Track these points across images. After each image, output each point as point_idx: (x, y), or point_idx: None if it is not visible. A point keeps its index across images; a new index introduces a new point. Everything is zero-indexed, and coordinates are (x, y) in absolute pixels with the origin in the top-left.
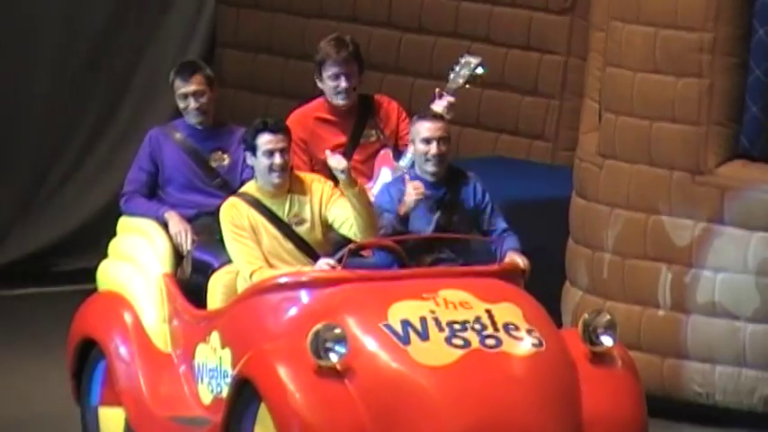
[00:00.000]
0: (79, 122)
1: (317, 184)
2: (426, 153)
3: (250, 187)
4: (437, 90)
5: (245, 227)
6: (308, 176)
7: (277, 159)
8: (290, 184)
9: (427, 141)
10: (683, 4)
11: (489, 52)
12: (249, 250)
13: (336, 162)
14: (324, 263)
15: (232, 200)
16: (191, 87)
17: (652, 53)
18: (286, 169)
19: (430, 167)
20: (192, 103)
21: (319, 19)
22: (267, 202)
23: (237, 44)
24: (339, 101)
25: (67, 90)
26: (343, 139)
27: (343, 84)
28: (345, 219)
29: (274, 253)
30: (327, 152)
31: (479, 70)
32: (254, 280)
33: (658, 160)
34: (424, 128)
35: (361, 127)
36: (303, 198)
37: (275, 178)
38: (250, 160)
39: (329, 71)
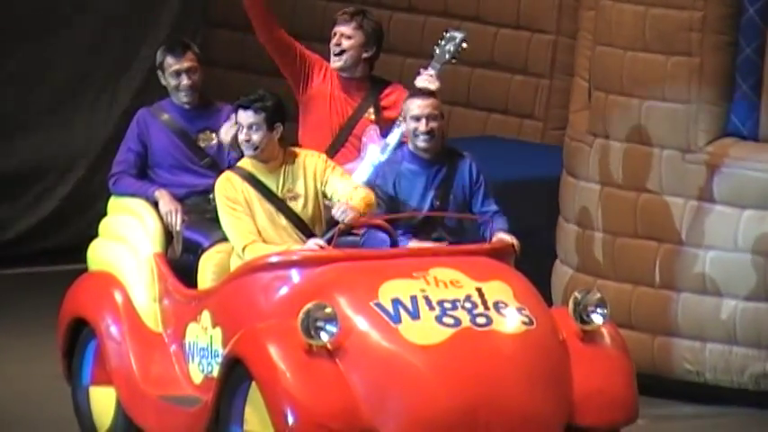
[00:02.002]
0: (70, 101)
1: (311, 159)
2: (416, 130)
3: (245, 162)
4: (422, 69)
5: (240, 201)
6: (301, 151)
7: (243, 134)
8: (283, 159)
9: (417, 119)
10: None
11: (479, 31)
12: (243, 224)
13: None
14: (314, 243)
15: (227, 174)
16: (184, 64)
17: (642, 32)
18: (253, 146)
19: (420, 143)
20: (185, 80)
21: None
22: (261, 177)
23: (227, 24)
24: (332, 62)
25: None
26: (346, 114)
27: (334, 41)
28: (345, 194)
29: (267, 228)
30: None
31: (464, 45)
32: (246, 254)
33: (648, 139)
34: (414, 105)
35: (365, 107)
36: (296, 173)
37: (245, 150)
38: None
39: (334, 29)
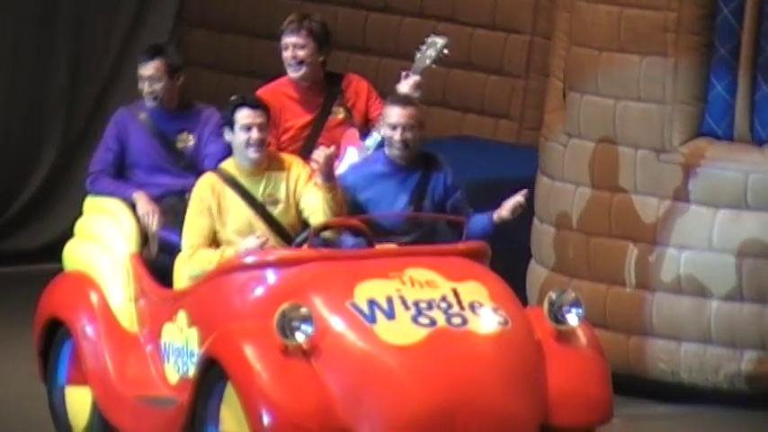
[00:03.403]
0: (42, 98)
1: (296, 167)
2: (391, 138)
3: (228, 164)
4: (403, 73)
5: (211, 206)
6: (287, 157)
7: (254, 134)
8: (268, 164)
9: (393, 127)
10: None
11: (455, 32)
12: (196, 231)
13: (320, 160)
14: (252, 239)
15: (208, 174)
16: (147, 71)
17: (617, 32)
18: (263, 145)
19: (395, 152)
20: (146, 87)
21: None
22: (243, 180)
23: (203, 24)
24: (291, 73)
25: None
26: (309, 116)
27: (289, 53)
28: (316, 209)
29: (245, 232)
30: (317, 152)
31: (445, 51)
32: (189, 267)
33: (623, 139)
34: (393, 113)
35: (329, 105)
36: (279, 178)
37: (252, 153)
38: (228, 136)
39: (283, 41)
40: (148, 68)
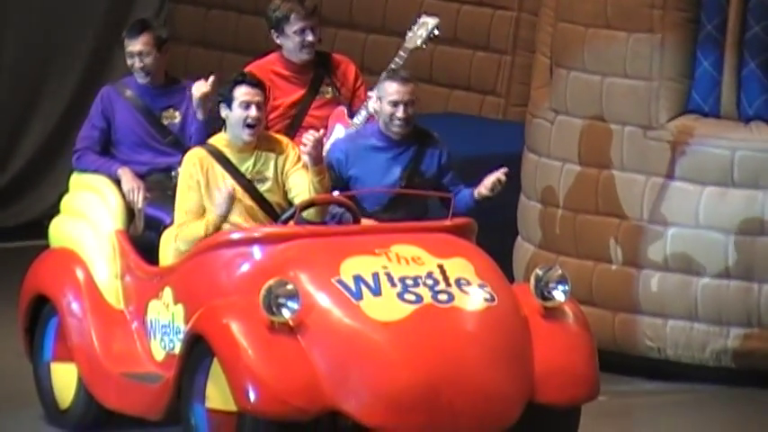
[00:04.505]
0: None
1: (285, 147)
2: (393, 115)
3: (218, 139)
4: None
5: (200, 182)
6: (277, 137)
7: (253, 112)
8: (258, 142)
9: (395, 104)
10: None
11: (442, 8)
12: (186, 205)
13: (308, 143)
14: (225, 191)
15: (196, 150)
16: (136, 47)
17: (603, 8)
18: (259, 125)
19: (396, 128)
20: (137, 63)
21: None
22: (232, 157)
23: (190, 0)
24: (305, 55)
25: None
26: (299, 93)
27: (309, 38)
28: (302, 191)
29: (233, 209)
30: (306, 135)
31: (436, 32)
32: (177, 241)
33: (610, 115)
34: (394, 90)
35: (318, 83)
36: (269, 157)
37: (247, 133)
38: (224, 112)
39: (295, 26)
40: (137, 44)
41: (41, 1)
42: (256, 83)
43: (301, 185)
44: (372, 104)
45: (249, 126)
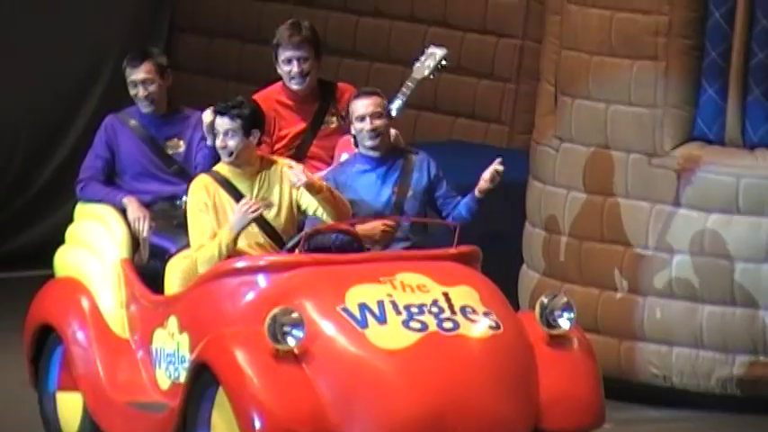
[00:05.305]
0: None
1: (288, 170)
2: (362, 130)
3: (221, 167)
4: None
5: (208, 206)
6: (280, 160)
7: (218, 141)
8: (261, 167)
9: (362, 118)
10: None
11: (446, 36)
12: (200, 230)
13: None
14: (241, 205)
15: (202, 176)
16: (139, 75)
17: (608, 36)
18: (228, 152)
19: (367, 142)
20: (141, 91)
21: (276, 3)
22: (236, 183)
23: (194, 28)
24: (293, 85)
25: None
26: (303, 124)
27: (295, 68)
28: (318, 205)
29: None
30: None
31: (444, 62)
32: (197, 261)
33: (614, 143)
34: (359, 105)
35: (322, 113)
36: (273, 181)
37: (222, 156)
38: (210, 141)
39: (283, 55)
40: (140, 72)
41: (59, 29)
42: (225, 112)
43: (316, 201)
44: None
45: (221, 151)
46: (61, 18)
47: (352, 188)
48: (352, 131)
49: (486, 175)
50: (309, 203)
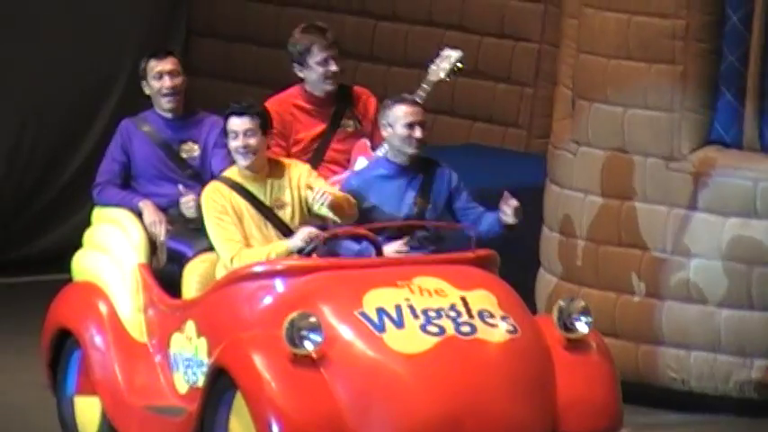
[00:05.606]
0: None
1: (296, 169)
2: (409, 137)
3: (232, 172)
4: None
5: (227, 210)
6: (285, 161)
7: (240, 140)
8: (269, 169)
9: (410, 126)
10: None
11: (463, 40)
12: (229, 234)
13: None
14: (306, 231)
15: (214, 184)
16: (166, 66)
17: (625, 40)
18: (250, 152)
19: (411, 150)
20: (167, 82)
21: (293, 7)
22: (248, 186)
23: (211, 32)
24: (328, 86)
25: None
26: (321, 127)
27: (332, 68)
28: (325, 185)
29: (257, 236)
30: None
31: (459, 64)
32: (234, 264)
33: (632, 147)
34: (406, 112)
35: (340, 116)
36: (282, 182)
37: (241, 160)
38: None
39: (318, 57)
40: (167, 63)
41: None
42: (243, 112)
43: (325, 186)
44: (383, 132)
45: (241, 154)
46: (78, 23)
47: (374, 193)
48: (386, 135)
49: (508, 210)
50: (317, 185)
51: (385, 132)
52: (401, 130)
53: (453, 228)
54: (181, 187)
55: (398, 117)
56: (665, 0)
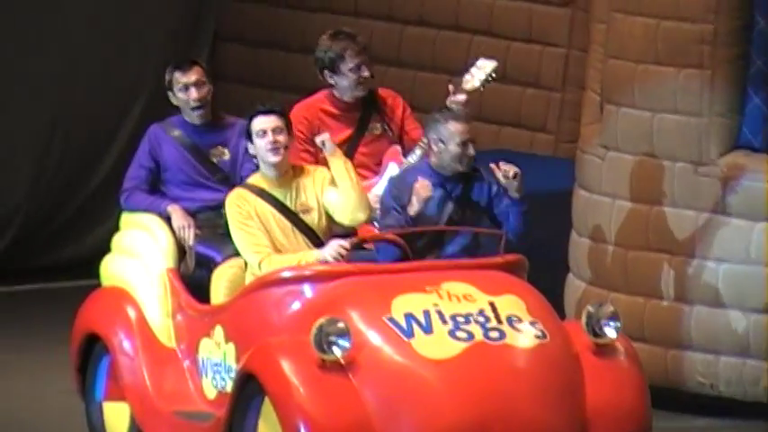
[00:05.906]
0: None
1: (319, 174)
2: (463, 154)
3: (255, 179)
4: (450, 87)
5: (252, 215)
6: (310, 167)
7: (269, 137)
8: (293, 174)
9: (464, 144)
10: None
11: (491, 45)
12: (255, 239)
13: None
14: (337, 244)
15: (238, 190)
16: (192, 77)
17: (653, 44)
18: (280, 148)
19: (462, 168)
20: (194, 93)
21: (321, 13)
22: (272, 191)
23: (238, 38)
24: (360, 92)
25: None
26: (348, 131)
27: (365, 73)
28: (337, 204)
29: (283, 241)
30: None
31: (494, 75)
32: (262, 269)
33: (660, 151)
34: (460, 131)
35: (367, 120)
36: (307, 186)
37: (271, 157)
38: (251, 149)
39: (350, 63)
40: (193, 74)
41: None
42: (269, 111)
43: (335, 202)
44: (432, 145)
45: (271, 150)
46: (105, 29)
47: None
48: (436, 150)
49: (499, 175)
50: (329, 203)
51: (435, 147)
52: (454, 148)
53: (482, 232)
54: None
55: (452, 135)
56: (693, 5)
